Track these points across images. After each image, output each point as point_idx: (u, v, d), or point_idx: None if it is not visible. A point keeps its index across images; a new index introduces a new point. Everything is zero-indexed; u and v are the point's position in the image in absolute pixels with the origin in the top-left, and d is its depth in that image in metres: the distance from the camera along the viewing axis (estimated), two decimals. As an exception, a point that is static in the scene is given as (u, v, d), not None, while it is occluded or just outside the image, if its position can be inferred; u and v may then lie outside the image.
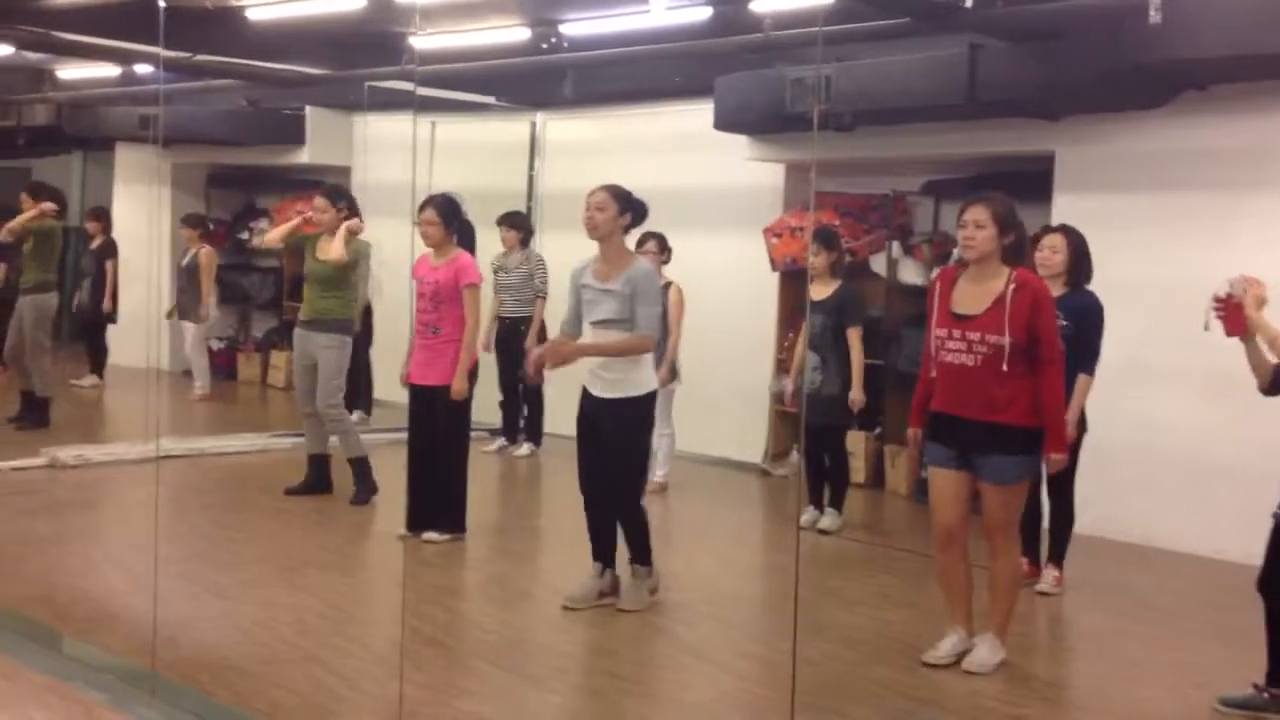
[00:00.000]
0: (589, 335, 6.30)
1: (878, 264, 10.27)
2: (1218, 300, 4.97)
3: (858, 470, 9.85)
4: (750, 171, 10.66)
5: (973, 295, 5.40)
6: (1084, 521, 8.22)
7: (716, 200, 11.03)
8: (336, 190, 8.78)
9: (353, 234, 8.43)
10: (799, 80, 8.98)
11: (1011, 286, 5.31)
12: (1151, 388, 8.13)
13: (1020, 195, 9.40)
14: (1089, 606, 6.96)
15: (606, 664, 5.70)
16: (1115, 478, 8.38)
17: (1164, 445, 8.12)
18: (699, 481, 10.11)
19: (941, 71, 8.43)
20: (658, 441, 9.10)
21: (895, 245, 10.09)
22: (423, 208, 7.50)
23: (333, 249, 8.29)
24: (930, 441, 5.61)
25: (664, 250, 8.95)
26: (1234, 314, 4.94)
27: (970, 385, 5.36)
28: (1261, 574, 5.11)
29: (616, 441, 6.19)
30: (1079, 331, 6.68)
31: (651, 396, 6.27)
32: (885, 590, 6.85)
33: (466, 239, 7.63)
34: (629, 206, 6.29)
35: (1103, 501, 8.44)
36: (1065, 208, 8.83)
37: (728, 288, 10.40)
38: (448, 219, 7.54)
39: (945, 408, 5.46)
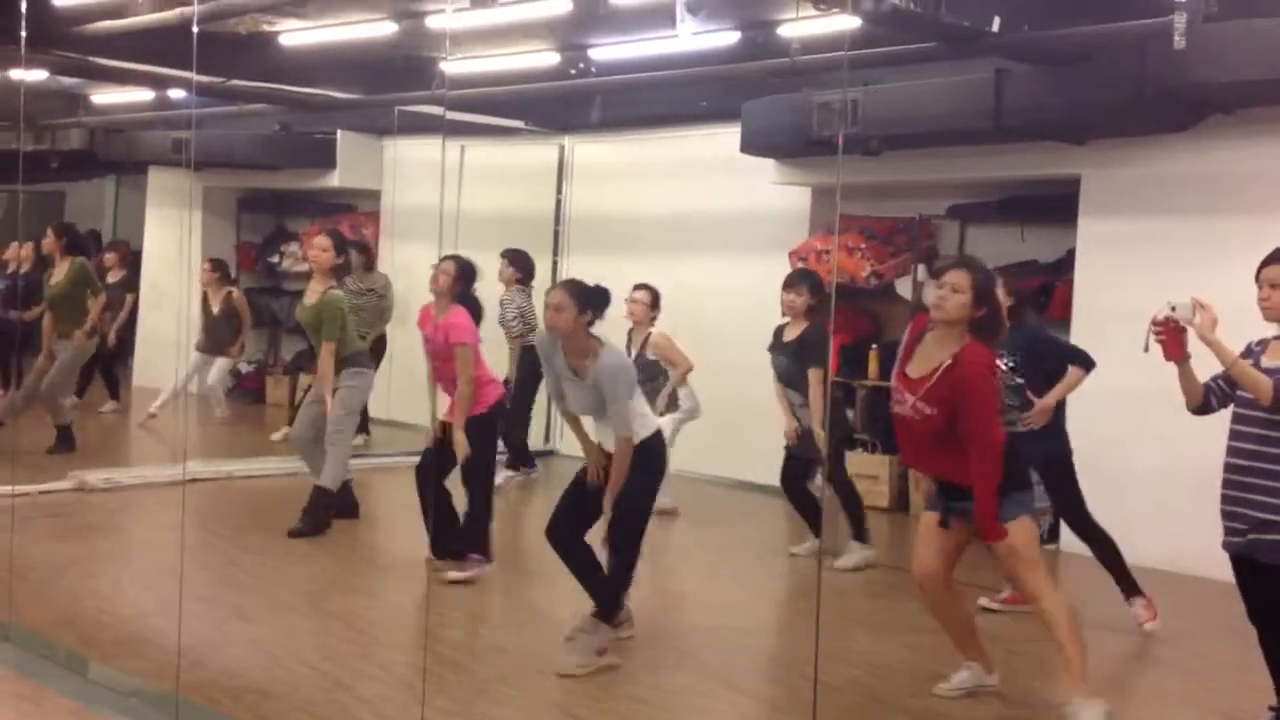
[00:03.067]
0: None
1: (903, 287, 10.27)
2: (1157, 323, 4.94)
3: (880, 494, 9.85)
4: (776, 195, 10.68)
5: (929, 356, 5.25)
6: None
7: (743, 223, 11.05)
8: (338, 234, 8.80)
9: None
10: (826, 104, 8.99)
11: (951, 362, 5.11)
12: (1175, 412, 8.04)
13: (1046, 219, 9.55)
14: (1112, 632, 6.92)
15: (629, 689, 5.70)
16: (1139, 502, 8.35)
17: (1189, 470, 8.03)
18: (723, 505, 10.10)
19: (967, 96, 8.44)
20: None
21: (920, 268, 10.09)
22: (445, 259, 7.60)
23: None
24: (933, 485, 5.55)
25: (656, 305, 9.03)
26: (1173, 338, 4.90)
27: (913, 439, 5.27)
28: (1246, 607, 5.09)
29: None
30: (1035, 362, 6.79)
31: (652, 442, 6.15)
32: (910, 616, 6.81)
33: (471, 308, 7.62)
34: (589, 303, 6.08)
35: (1126, 526, 8.39)
36: (1091, 231, 8.84)
37: (753, 311, 10.38)
38: (461, 277, 7.59)
39: (903, 460, 5.39)
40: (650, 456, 6.13)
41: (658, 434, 6.23)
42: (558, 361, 6.14)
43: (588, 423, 6.33)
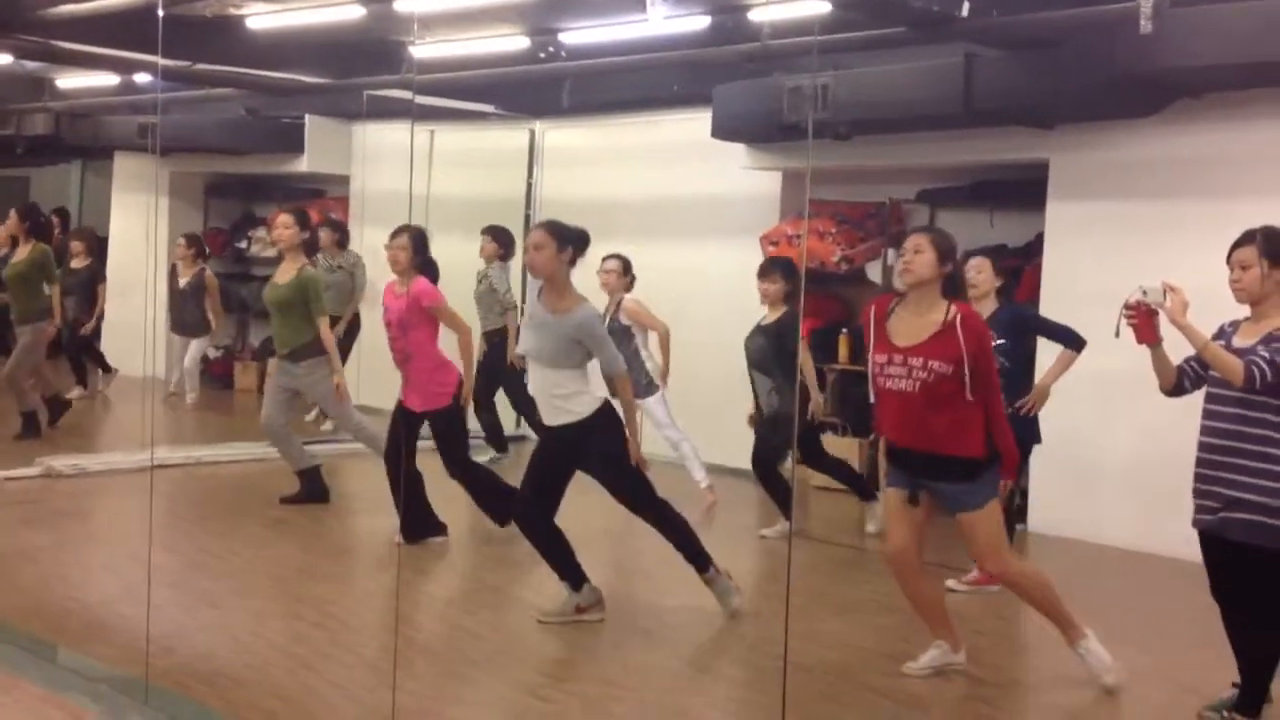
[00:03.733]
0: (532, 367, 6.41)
1: (873, 272, 10.29)
2: (1129, 307, 4.97)
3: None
4: (747, 179, 10.68)
5: (912, 325, 5.31)
6: (1075, 527, 8.26)
7: (714, 208, 11.06)
8: (300, 211, 8.82)
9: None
10: (796, 89, 9.00)
11: (958, 317, 5.22)
12: (1147, 394, 8.11)
13: (1015, 204, 9.58)
14: (1078, 612, 6.94)
15: (599, 671, 5.71)
16: (1109, 483, 8.40)
17: (1159, 451, 8.10)
18: (694, 488, 10.08)
19: (937, 80, 8.46)
20: (684, 448, 9.22)
21: (891, 253, 10.10)
22: (396, 234, 7.64)
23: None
24: (889, 462, 5.59)
25: (627, 272, 9.05)
26: (1145, 321, 4.94)
27: (910, 412, 5.28)
28: (1211, 583, 5.14)
29: (609, 456, 6.23)
30: (1019, 343, 6.96)
31: (600, 412, 6.23)
32: (878, 596, 6.85)
33: (430, 274, 7.69)
34: (568, 241, 6.20)
35: (1096, 507, 8.47)
36: (1059, 216, 8.87)
37: (724, 295, 10.41)
38: (418, 249, 7.65)
39: (890, 436, 5.46)
40: (612, 420, 6.24)
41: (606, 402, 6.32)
42: (533, 299, 6.22)
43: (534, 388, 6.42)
